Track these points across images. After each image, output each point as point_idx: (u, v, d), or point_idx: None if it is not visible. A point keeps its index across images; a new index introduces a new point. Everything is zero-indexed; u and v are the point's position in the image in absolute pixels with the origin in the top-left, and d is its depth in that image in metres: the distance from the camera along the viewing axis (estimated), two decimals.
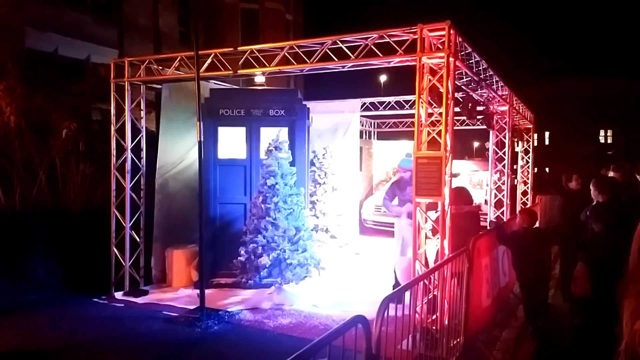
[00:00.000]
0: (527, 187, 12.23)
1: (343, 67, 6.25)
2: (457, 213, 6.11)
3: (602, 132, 43.90)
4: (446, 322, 4.73)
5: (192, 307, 6.53)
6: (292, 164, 7.52)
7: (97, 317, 6.50)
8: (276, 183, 7.16)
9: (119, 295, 7.35)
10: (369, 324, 2.71)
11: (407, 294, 3.69)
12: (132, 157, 7.54)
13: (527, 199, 12.10)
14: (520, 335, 5.81)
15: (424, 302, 4.62)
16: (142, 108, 7.70)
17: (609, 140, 43.71)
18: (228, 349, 5.43)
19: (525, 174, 12.37)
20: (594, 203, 6.08)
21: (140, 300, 7.17)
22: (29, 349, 5.37)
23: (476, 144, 41.83)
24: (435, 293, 4.87)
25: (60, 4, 10.81)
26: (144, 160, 7.68)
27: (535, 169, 14.62)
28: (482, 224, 8.15)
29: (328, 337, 2.40)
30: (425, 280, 4.57)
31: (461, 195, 6.39)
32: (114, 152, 7.48)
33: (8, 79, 7.34)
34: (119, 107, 7.49)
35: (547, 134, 45.02)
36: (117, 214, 7.52)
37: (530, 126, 12.34)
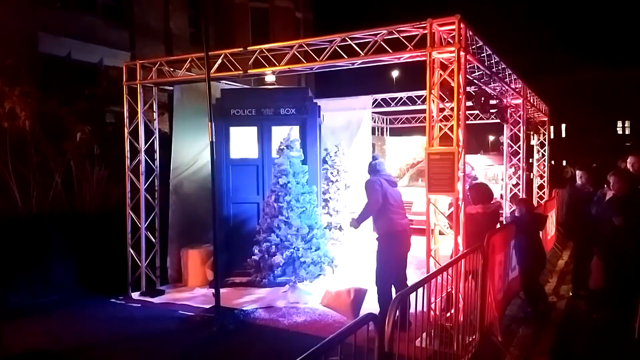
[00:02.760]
0: (544, 181, 12.08)
1: (353, 64, 6.23)
2: (484, 212, 6.08)
3: (619, 124, 43.18)
4: (461, 319, 4.69)
5: (207, 307, 6.57)
6: (304, 162, 7.53)
7: (114, 318, 6.57)
8: (288, 182, 7.17)
9: (135, 295, 7.43)
10: (380, 322, 2.69)
11: (420, 291, 3.65)
12: (145, 158, 7.61)
13: (543, 193, 11.96)
14: (537, 331, 5.74)
15: (436, 300, 4.58)
16: (154, 110, 7.76)
17: (627, 132, 42.98)
18: (244, 348, 5.46)
19: (542, 167, 12.22)
20: (611, 196, 5.99)
21: (156, 300, 7.24)
22: (48, 349, 5.45)
23: (491, 138, 41.47)
24: (449, 289, 4.83)
25: (72, 9, 10.94)
26: (157, 162, 7.74)
27: (552, 162, 14.43)
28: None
29: (339, 335, 2.39)
30: (439, 277, 4.52)
31: (484, 193, 6.34)
32: (127, 154, 7.55)
33: (22, 84, 7.44)
34: (132, 110, 7.56)
35: (563, 126, 44.44)
36: (133, 215, 7.59)
37: (546, 119, 12.19)
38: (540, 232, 6.97)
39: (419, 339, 3.99)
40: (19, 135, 7.48)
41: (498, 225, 6.44)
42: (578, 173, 7.23)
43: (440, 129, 5.50)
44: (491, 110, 7.97)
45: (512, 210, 9.74)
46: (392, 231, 5.69)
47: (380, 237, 5.77)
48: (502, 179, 9.76)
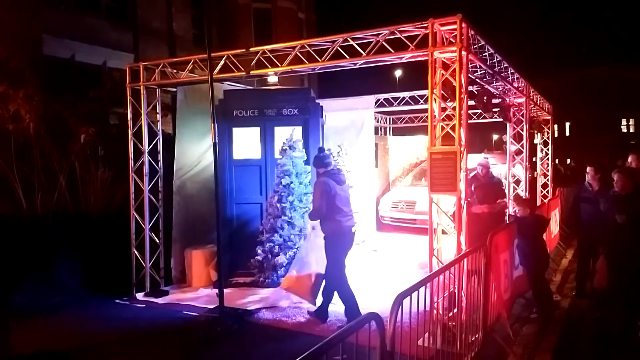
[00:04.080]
0: (547, 180, 12.06)
1: (355, 64, 6.25)
2: (490, 212, 6.08)
3: (624, 122, 43.00)
4: (463, 318, 4.69)
5: (211, 307, 6.60)
6: (306, 162, 7.55)
7: (119, 318, 6.62)
8: (291, 182, 7.20)
9: (140, 296, 7.47)
10: (382, 321, 2.70)
11: (423, 290, 3.66)
12: (149, 159, 7.64)
13: (547, 192, 11.93)
14: (541, 330, 5.74)
15: (439, 299, 4.58)
16: (158, 111, 7.80)
17: (632, 129, 42.80)
18: (247, 348, 5.48)
19: (545, 166, 12.19)
20: (614, 194, 5.98)
21: (160, 300, 7.28)
22: (53, 350, 5.48)
23: (495, 137, 41.33)
24: (452, 289, 4.83)
25: (75, 11, 10.97)
26: (161, 163, 7.78)
27: (557, 161, 14.36)
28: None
29: (341, 334, 2.40)
30: (441, 276, 4.53)
31: (490, 193, 6.33)
32: (131, 155, 7.59)
33: (27, 86, 7.47)
34: (136, 111, 7.60)
35: (567, 124, 44.30)
36: (137, 216, 7.63)
37: (549, 117, 12.16)
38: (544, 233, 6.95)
39: (422, 338, 4.00)
40: (23, 137, 7.52)
41: None
42: (589, 170, 7.13)
43: (443, 128, 5.51)
44: (494, 109, 7.96)
45: (514, 209, 9.75)
46: (338, 233, 5.83)
47: (326, 237, 5.88)
48: (506, 179, 9.73)
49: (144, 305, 7.13)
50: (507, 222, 7.05)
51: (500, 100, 8.43)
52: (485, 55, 6.58)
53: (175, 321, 6.37)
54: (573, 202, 7.20)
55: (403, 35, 5.70)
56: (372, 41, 5.87)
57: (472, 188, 7.02)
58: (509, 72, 7.92)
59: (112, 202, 8.42)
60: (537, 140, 12.12)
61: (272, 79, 7.37)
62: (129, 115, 7.59)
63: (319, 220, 5.93)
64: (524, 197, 8.33)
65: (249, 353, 5.36)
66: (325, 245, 5.91)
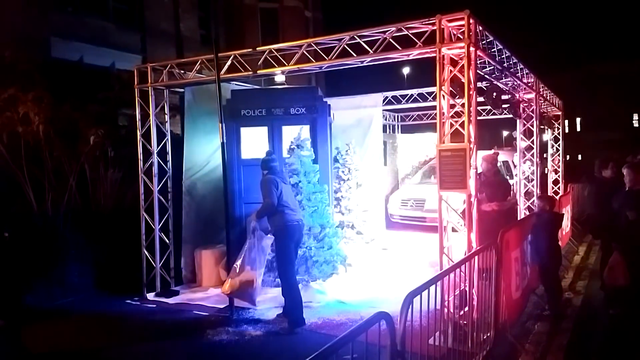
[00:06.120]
0: (558, 176, 11.95)
1: (362, 62, 6.21)
2: (500, 210, 6.00)
3: (635, 117, 42.47)
4: (475, 316, 4.65)
5: (221, 306, 6.63)
6: (314, 161, 7.52)
7: (130, 318, 6.64)
8: (299, 181, 7.18)
9: (150, 296, 7.49)
10: (392, 320, 2.68)
11: (433, 289, 3.63)
12: (158, 160, 7.66)
13: (558, 188, 11.83)
14: (553, 328, 5.68)
15: (450, 298, 4.55)
16: (166, 112, 7.81)
17: None
18: (258, 347, 5.47)
19: (556, 162, 12.08)
20: (627, 190, 5.90)
21: (171, 300, 7.30)
22: (66, 351, 5.53)
23: (505, 133, 41.05)
24: (463, 287, 4.79)
25: (83, 13, 11.05)
26: (170, 164, 7.80)
27: (567, 157, 14.23)
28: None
29: (350, 334, 2.39)
30: (452, 274, 4.49)
31: (500, 190, 6.26)
32: (140, 156, 7.60)
33: (36, 88, 7.51)
34: (144, 112, 7.61)
35: (578, 120, 43.84)
36: (147, 217, 7.65)
37: (559, 113, 12.04)
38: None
39: (433, 337, 3.97)
40: (33, 139, 7.56)
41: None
42: (611, 164, 7.04)
43: (452, 125, 5.47)
44: (503, 106, 7.90)
45: (526, 205, 9.66)
46: (287, 226, 5.91)
47: (275, 233, 5.98)
48: (516, 175, 9.64)
49: (154, 306, 7.15)
50: (524, 217, 6.96)
51: (509, 96, 8.36)
52: (494, 51, 6.52)
53: (186, 321, 6.39)
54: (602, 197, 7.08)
55: (410, 32, 5.66)
56: (379, 38, 5.83)
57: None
58: (518, 67, 7.86)
59: (122, 203, 8.45)
60: (548, 136, 12.02)
61: (279, 78, 7.35)
62: (138, 117, 7.60)
63: (259, 221, 5.99)
64: (543, 194, 8.24)
65: (259, 352, 5.36)
66: (275, 241, 5.98)
